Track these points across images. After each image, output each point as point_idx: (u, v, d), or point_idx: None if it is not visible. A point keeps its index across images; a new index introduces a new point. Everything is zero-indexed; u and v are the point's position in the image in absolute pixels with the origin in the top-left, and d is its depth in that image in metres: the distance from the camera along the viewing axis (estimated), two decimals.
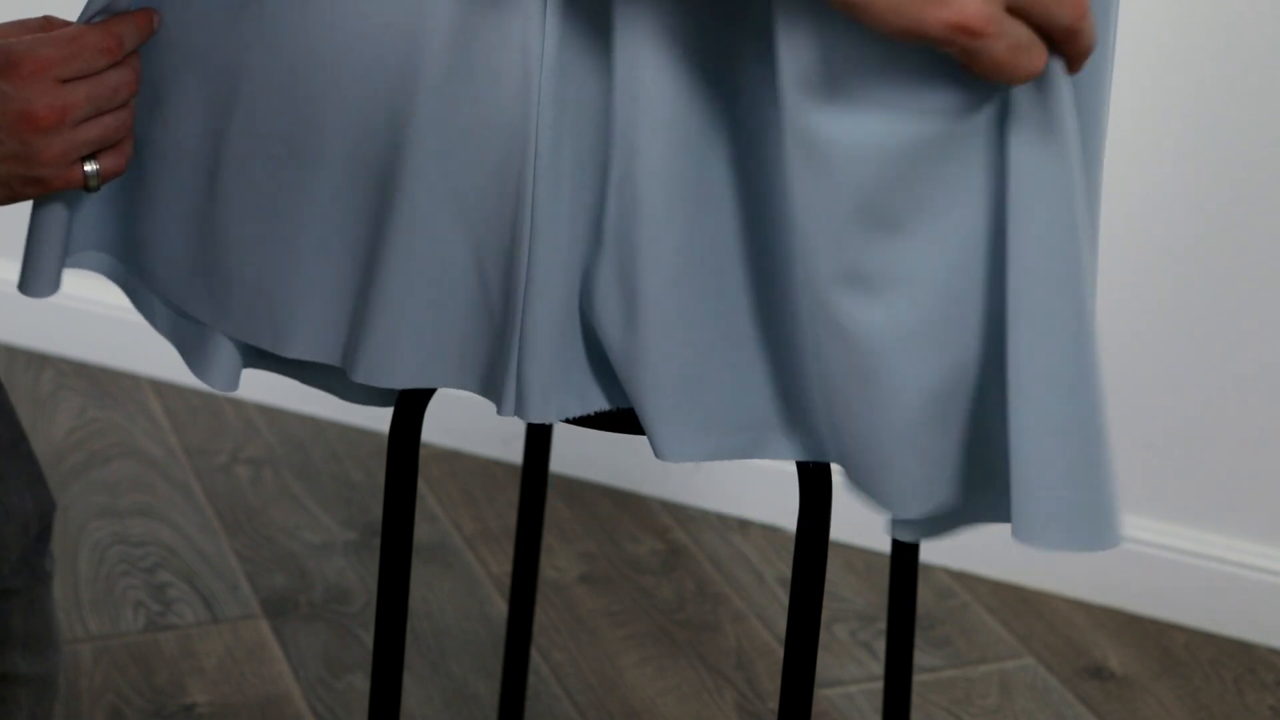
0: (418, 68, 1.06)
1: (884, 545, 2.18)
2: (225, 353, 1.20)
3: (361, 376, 1.13)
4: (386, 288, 1.11)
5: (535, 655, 1.98)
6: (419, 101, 1.07)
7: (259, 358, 1.24)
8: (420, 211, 1.09)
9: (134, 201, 1.20)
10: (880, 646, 2.03)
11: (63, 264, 1.21)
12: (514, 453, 2.31)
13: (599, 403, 1.12)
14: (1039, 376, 1.02)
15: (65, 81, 1.11)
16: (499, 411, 1.11)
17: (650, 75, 1.02)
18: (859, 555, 2.20)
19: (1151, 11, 1.98)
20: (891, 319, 1.03)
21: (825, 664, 2.00)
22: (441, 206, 1.09)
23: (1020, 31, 0.96)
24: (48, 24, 1.16)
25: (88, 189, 1.15)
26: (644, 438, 1.20)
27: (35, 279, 1.20)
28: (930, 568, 2.18)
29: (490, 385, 1.13)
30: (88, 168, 1.14)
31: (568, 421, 1.12)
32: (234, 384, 1.21)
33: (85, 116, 1.12)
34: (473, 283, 1.10)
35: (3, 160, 1.11)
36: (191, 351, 1.22)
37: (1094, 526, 1.04)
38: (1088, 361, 1.02)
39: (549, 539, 2.19)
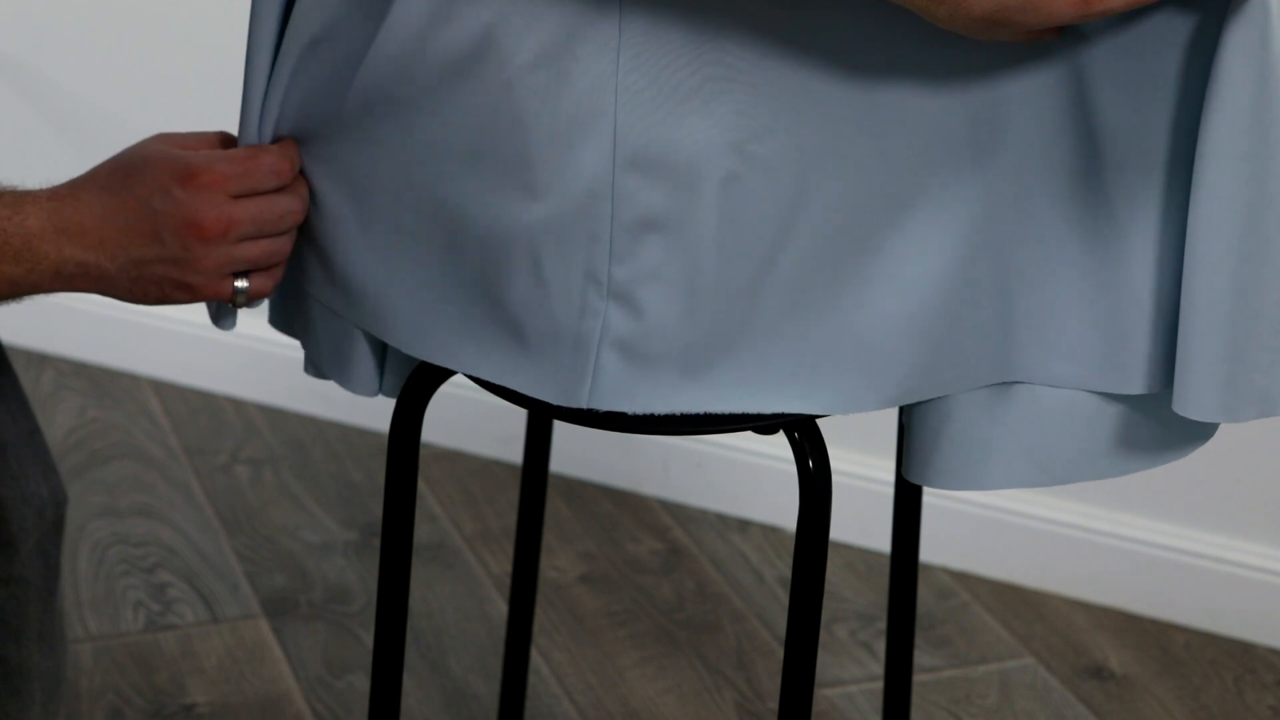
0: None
1: (884, 545, 2.18)
2: (364, 356, 1.24)
3: (431, 358, 1.18)
4: (464, 272, 1.15)
5: (535, 655, 1.98)
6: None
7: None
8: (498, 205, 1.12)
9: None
10: (880, 646, 2.03)
11: None
12: (514, 453, 2.31)
13: (687, 403, 1.14)
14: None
15: (236, 198, 1.16)
16: (567, 403, 1.14)
17: None
18: (859, 555, 2.20)
19: None
20: None
21: (825, 664, 2.00)
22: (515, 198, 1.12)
23: None
24: (224, 139, 1.22)
25: (234, 304, 1.20)
26: (643, 437, 1.21)
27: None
28: (930, 568, 2.18)
29: (538, 378, 1.15)
30: (238, 284, 1.19)
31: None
32: (374, 389, 1.25)
33: (248, 235, 1.17)
34: (531, 280, 1.13)
35: (161, 261, 1.16)
36: (332, 363, 1.26)
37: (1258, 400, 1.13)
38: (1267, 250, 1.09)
39: (549, 539, 2.19)
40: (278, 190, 1.19)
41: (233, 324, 1.24)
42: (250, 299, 1.20)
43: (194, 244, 1.16)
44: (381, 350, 1.24)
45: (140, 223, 1.16)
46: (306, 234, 1.22)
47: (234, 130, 1.24)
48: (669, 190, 1.09)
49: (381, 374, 1.25)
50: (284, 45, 1.19)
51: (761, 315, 1.12)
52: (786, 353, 1.13)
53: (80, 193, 1.17)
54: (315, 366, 1.28)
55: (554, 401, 1.14)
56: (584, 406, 1.14)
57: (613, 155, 1.09)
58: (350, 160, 1.18)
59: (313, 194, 1.21)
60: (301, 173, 1.21)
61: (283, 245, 1.20)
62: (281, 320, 1.31)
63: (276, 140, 1.21)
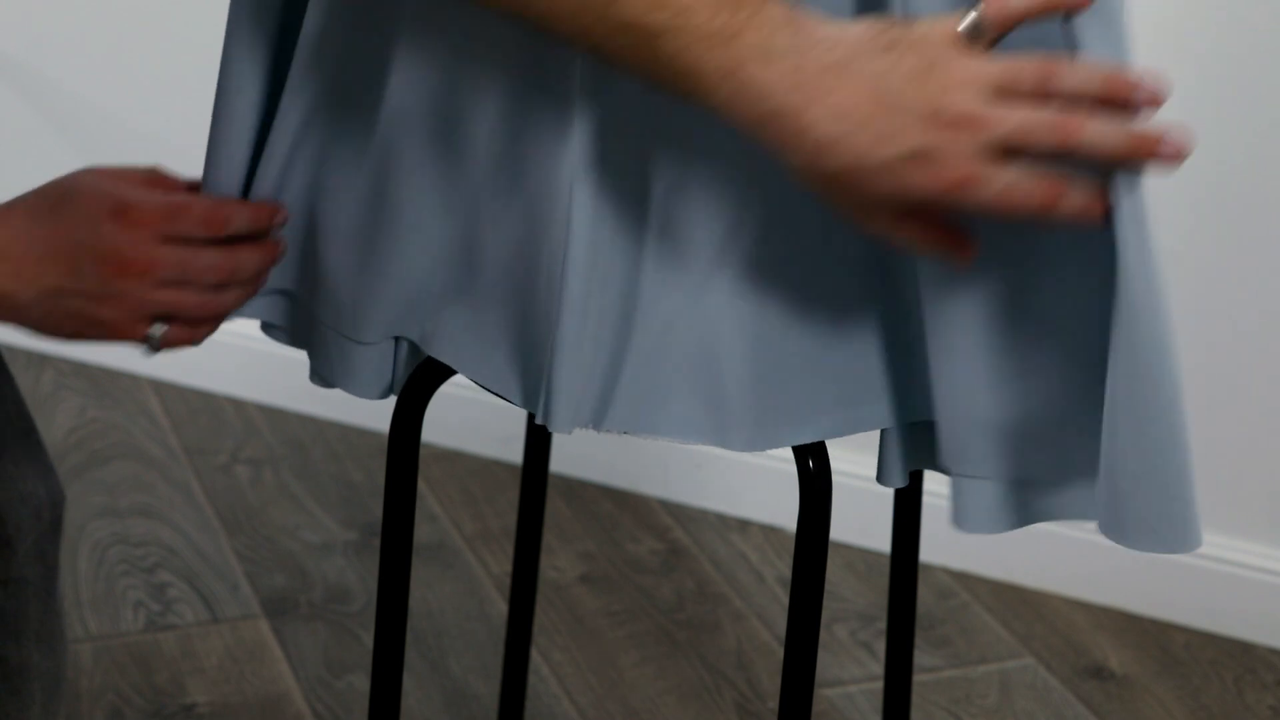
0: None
1: (884, 545, 2.17)
2: (373, 361, 1.23)
3: (437, 353, 1.18)
4: (474, 268, 1.15)
5: (535, 655, 1.98)
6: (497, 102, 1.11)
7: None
8: (501, 205, 1.13)
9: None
10: (880, 646, 2.03)
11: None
12: (514, 453, 2.31)
13: (620, 424, 1.14)
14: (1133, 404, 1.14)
15: (165, 241, 1.15)
16: (536, 419, 1.14)
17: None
18: (859, 555, 2.20)
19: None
20: None
21: (825, 664, 2.00)
22: (517, 205, 1.12)
23: (1009, 175, 1.02)
24: (154, 175, 1.20)
25: (148, 349, 1.18)
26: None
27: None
28: (930, 568, 2.18)
29: (511, 387, 1.15)
30: (153, 329, 1.17)
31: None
32: (378, 391, 1.24)
33: (169, 280, 1.16)
34: (535, 285, 1.13)
35: (78, 294, 1.15)
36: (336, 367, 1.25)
37: (1179, 531, 1.16)
38: (1172, 390, 1.15)
39: (549, 539, 2.19)
40: (217, 244, 1.17)
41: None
42: (164, 347, 1.18)
43: (113, 279, 1.15)
44: (388, 353, 1.24)
45: (61, 253, 1.15)
46: (315, 258, 1.22)
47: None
48: (616, 200, 1.09)
49: (392, 376, 1.25)
50: (292, 70, 1.19)
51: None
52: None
53: (3, 219, 1.16)
54: (321, 377, 1.27)
55: (530, 410, 1.15)
56: (540, 422, 1.14)
57: (579, 167, 1.09)
58: (373, 183, 1.18)
59: (324, 218, 1.20)
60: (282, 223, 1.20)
61: (207, 302, 1.18)
62: (287, 335, 1.30)
63: (283, 184, 1.19)
